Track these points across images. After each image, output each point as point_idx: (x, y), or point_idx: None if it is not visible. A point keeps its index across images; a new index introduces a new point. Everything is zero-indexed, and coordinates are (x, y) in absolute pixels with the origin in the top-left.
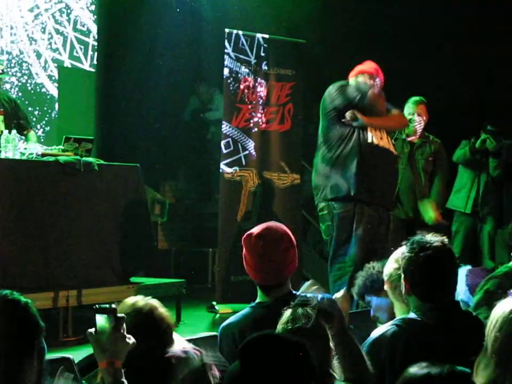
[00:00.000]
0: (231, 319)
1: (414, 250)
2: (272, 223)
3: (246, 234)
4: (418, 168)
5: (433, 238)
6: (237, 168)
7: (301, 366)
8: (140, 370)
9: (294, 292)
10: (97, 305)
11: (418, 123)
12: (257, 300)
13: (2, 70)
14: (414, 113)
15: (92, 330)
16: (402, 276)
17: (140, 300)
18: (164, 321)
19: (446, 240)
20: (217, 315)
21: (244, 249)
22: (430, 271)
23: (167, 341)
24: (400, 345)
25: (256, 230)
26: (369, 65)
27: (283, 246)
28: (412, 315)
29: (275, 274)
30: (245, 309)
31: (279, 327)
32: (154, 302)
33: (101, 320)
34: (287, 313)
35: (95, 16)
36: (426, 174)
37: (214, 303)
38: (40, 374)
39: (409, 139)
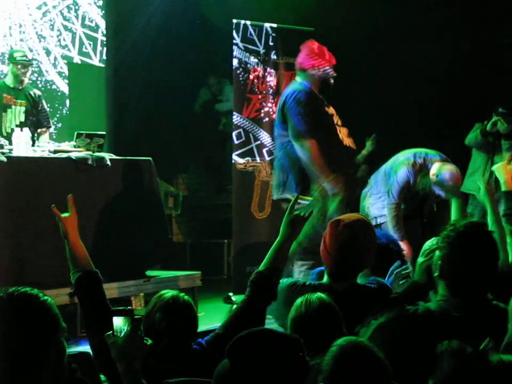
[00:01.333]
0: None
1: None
2: (362, 216)
3: (334, 219)
4: None
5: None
6: (249, 159)
7: (293, 363)
8: (171, 361)
9: (358, 283)
10: (114, 307)
11: None
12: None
13: (29, 60)
14: None
15: (110, 333)
16: (438, 254)
17: (172, 292)
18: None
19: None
20: (234, 306)
21: (326, 234)
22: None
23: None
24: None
25: (347, 217)
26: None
27: (367, 240)
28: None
29: (350, 265)
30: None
31: (292, 312)
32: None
33: (119, 322)
34: (301, 298)
35: (103, 12)
36: None
37: (230, 294)
38: (58, 374)
39: None
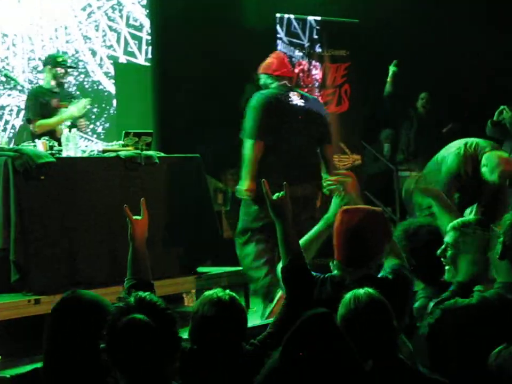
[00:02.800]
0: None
1: None
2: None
3: (344, 208)
4: None
5: None
6: None
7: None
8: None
9: (374, 276)
10: None
11: None
12: (334, 272)
13: (70, 64)
14: None
15: None
16: (501, 239)
17: (220, 292)
18: (243, 313)
19: None
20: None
21: (337, 222)
22: None
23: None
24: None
25: (352, 208)
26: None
27: (382, 230)
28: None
29: (362, 255)
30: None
31: (341, 308)
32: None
33: None
34: (349, 294)
35: (147, 11)
36: None
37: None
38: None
39: None
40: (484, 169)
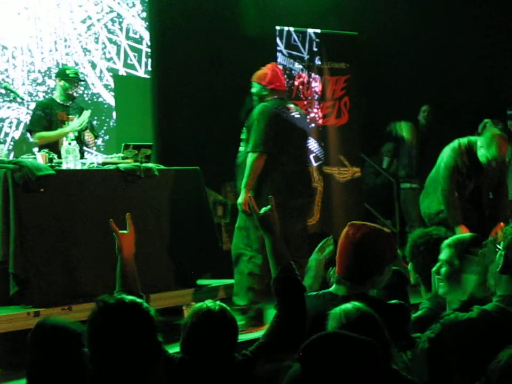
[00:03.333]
0: (308, 300)
1: None
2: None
3: (350, 223)
4: None
5: None
6: None
7: (367, 367)
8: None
9: (370, 296)
10: None
11: None
12: (333, 289)
13: (80, 78)
14: None
15: None
16: (503, 253)
17: (209, 302)
18: (233, 323)
19: None
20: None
21: (341, 237)
22: None
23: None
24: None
25: (359, 223)
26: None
27: (379, 246)
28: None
29: (360, 268)
30: (318, 295)
31: (331, 322)
32: (223, 305)
33: None
34: (337, 309)
35: (147, 23)
36: None
37: None
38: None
39: None
40: (480, 152)
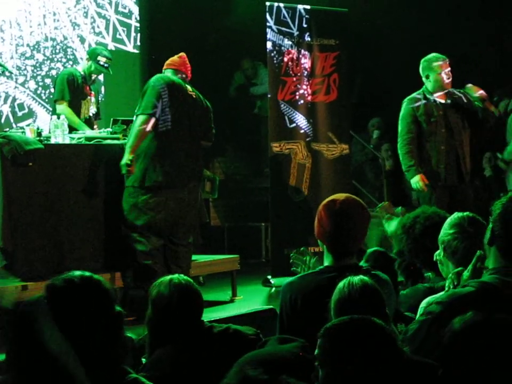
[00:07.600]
0: (296, 279)
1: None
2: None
3: (328, 200)
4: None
5: None
6: (285, 142)
7: (383, 352)
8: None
9: (359, 264)
10: None
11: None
12: (325, 264)
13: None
14: None
15: None
16: (490, 226)
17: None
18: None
19: None
20: (273, 289)
21: (322, 214)
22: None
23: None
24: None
25: (339, 196)
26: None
27: (364, 216)
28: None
29: (350, 242)
30: (310, 273)
31: (335, 294)
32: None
33: None
34: (344, 280)
35: None
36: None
37: (269, 277)
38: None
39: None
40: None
